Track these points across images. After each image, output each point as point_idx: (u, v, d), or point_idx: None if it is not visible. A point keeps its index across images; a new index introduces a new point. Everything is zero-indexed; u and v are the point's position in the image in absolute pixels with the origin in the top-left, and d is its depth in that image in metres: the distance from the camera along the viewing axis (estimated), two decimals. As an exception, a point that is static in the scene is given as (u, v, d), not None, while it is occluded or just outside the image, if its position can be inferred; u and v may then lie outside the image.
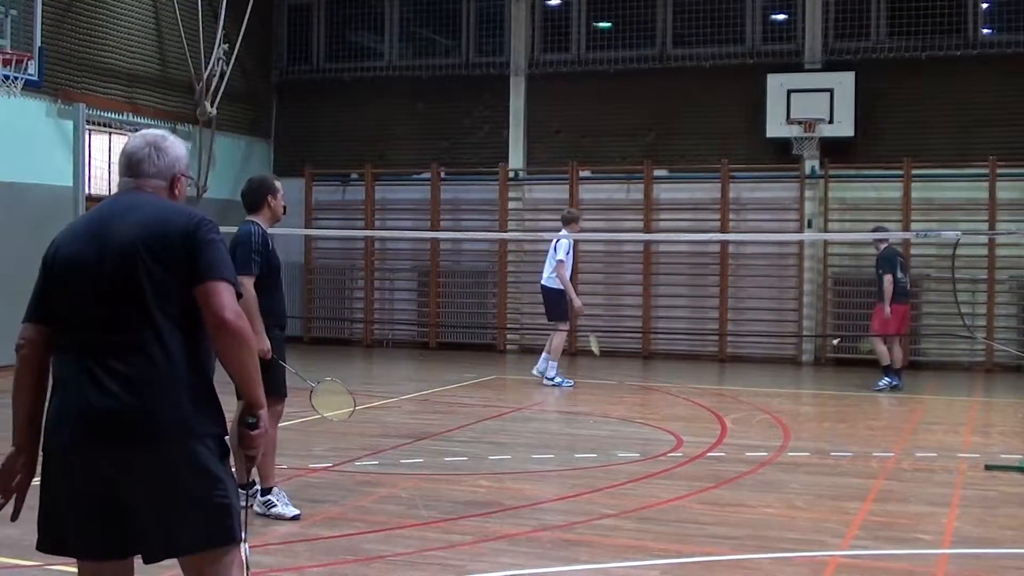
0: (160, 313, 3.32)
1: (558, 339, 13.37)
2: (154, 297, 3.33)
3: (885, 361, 13.38)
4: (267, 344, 6.53)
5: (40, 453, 3.42)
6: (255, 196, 7.00)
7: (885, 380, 13.34)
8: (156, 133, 3.62)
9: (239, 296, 3.42)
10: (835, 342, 15.45)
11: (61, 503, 3.36)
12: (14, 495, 3.50)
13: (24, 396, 3.43)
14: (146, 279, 3.33)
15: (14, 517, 3.49)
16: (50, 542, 3.42)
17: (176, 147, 3.60)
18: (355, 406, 7.38)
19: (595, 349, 13.87)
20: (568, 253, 13.25)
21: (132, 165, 3.55)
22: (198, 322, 3.36)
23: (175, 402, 3.28)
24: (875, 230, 13.70)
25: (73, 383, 3.33)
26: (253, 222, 6.90)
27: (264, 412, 3.44)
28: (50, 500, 3.39)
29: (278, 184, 7.10)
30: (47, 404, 3.41)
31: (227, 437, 3.43)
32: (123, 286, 3.33)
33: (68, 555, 3.41)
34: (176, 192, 3.59)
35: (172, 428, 3.27)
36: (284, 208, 7.07)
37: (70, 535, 3.35)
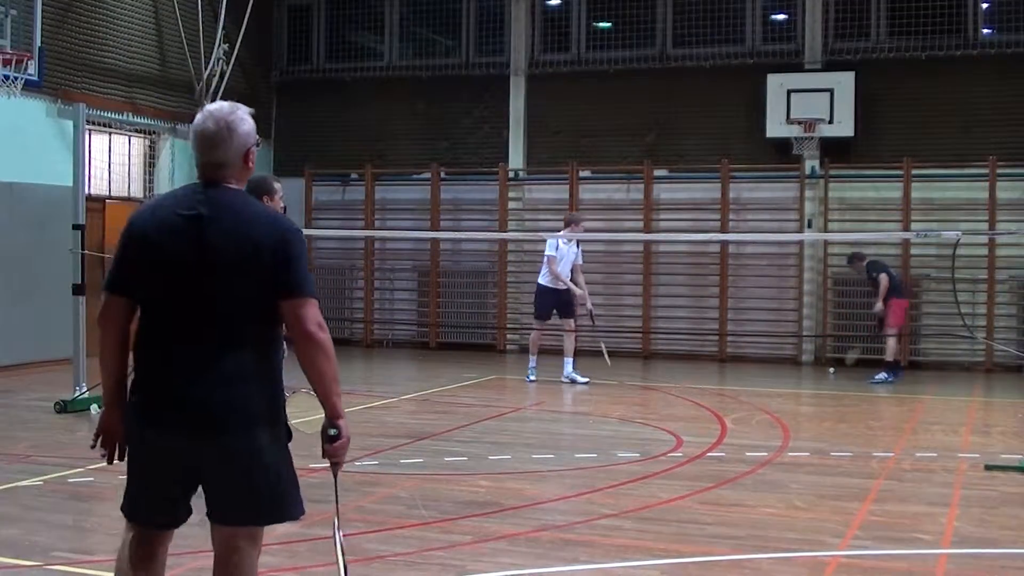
0: (245, 317, 3.62)
1: (534, 335, 13.84)
2: (241, 303, 3.61)
3: (892, 357, 14.17)
4: None
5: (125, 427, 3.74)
6: (253, 196, 6.91)
7: (883, 375, 14.00)
8: (224, 109, 3.74)
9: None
10: (851, 357, 15.46)
11: (144, 477, 3.72)
12: (115, 447, 3.81)
13: (110, 361, 3.73)
14: (236, 286, 3.60)
15: (110, 461, 3.85)
16: (127, 508, 3.80)
17: (246, 122, 3.77)
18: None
19: (606, 357, 13.95)
20: (557, 250, 13.40)
21: (210, 149, 3.71)
22: (275, 328, 3.69)
23: (249, 398, 3.61)
24: (851, 257, 14.77)
25: (157, 371, 3.64)
26: None
27: (344, 422, 3.74)
28: (134, 472, 3.75)
29: (277, 185, 7.02)
30: (130, 385, 3.73)
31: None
32: (220, 292, 3.60)
33: (139, 521, 3.79)
34: (249, 164, 3.79)
35: (240, 419, 3.60)
36: (284, 209, 7.01)
37: (143, 506, 3.75)
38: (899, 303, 14.16)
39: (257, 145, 3.84)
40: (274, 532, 6.28)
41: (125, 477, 3.81)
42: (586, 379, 13.42)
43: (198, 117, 3.76)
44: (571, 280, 13.55)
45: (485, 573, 5.61)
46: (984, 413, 12.31)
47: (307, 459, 8.58)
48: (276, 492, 3.72)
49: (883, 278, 14.07)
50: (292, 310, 3.62)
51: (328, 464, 3.85)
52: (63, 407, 10.71)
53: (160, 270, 3.64)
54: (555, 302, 13.55)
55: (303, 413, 7.09)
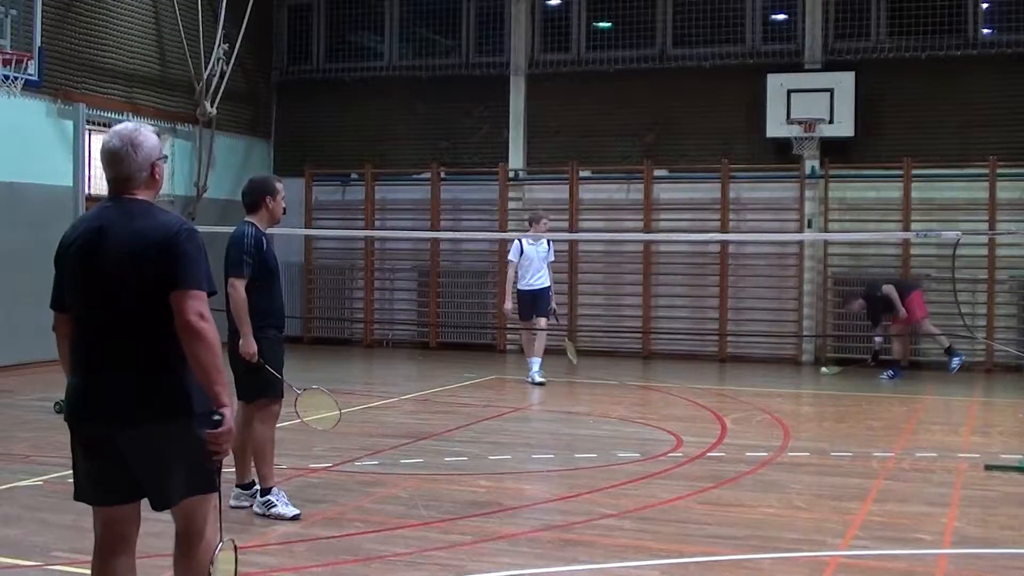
0: (149, 314, 3.92)
1: (525, 337, 13.81)
2: (143, 300, 3.93)
3: (900, 356, 14.74)
4: (253, 347, 6.57)
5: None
6: (253, 197, 6.93)
7: (891, 371, 14.52)
8: (129, 128, 4.12)
9: (210, 295, 4.00)
10: (831, 370, 15.56)
11: (81, 464, 4.11)
12: None
13: (65, 365, 4.16)
14: (136, 285, 3.93)
15: None
16: (78, 492, 4.20)
17: (150, 139, 4.11)
18: (340, 415, 7.33)
19: (571, 356, 13.69)
20: (522, 254, 13.31)
21: (115, 163, 4.06)
22: (172, 322, 3.93)
23: (159, 387, 3.93)
24: (844, 301, 15.37)
25: (81, 369, 4.03)
26: (250, 223, 6.84)
27: (227, 411, 3.91)
28: (76, 461, 4.14)
29: (279, 185, 7.04)
30: (66, 387, 4.11)
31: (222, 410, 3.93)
32: (119, 290, 3.94)
33: (88, 503, 4.18)
34: (156, 176, 4.12)
35: (157, 409, 3.92)
36: (284, 209, 7.02)
37: (89, 488, 4.12)
38: (913, 298, 14.41)
39: (164, 159, 4.18)
40: (275, 532, 6.30)
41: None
42: (543, 380, 13.24)
43: (105, 137, 4.11)
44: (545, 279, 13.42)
45: (485, 573, 5.61)
46: (984, 413, 12.30)
47: (306, 459, 8.58)
48: (185, 473, 3.98)
49: (888, 289, 14.41)
50: (174, 300, 3.88)
51: (212, 455, 3.99)
52: (63, 407, 10.70)
53: (72, 280, 4.04)
54: (532, 302, 13.42)
55: (314, 411, 7.16)
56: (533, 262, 13.36)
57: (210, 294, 4.01)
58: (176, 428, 3.94)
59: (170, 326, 3.91)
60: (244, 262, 6.63)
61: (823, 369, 15.60)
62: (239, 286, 6.59)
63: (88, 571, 5.59)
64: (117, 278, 3.94)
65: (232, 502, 6.70)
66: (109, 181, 4.09)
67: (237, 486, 6.84)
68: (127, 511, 4.11)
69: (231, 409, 3.95)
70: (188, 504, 4.04)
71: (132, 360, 3.95)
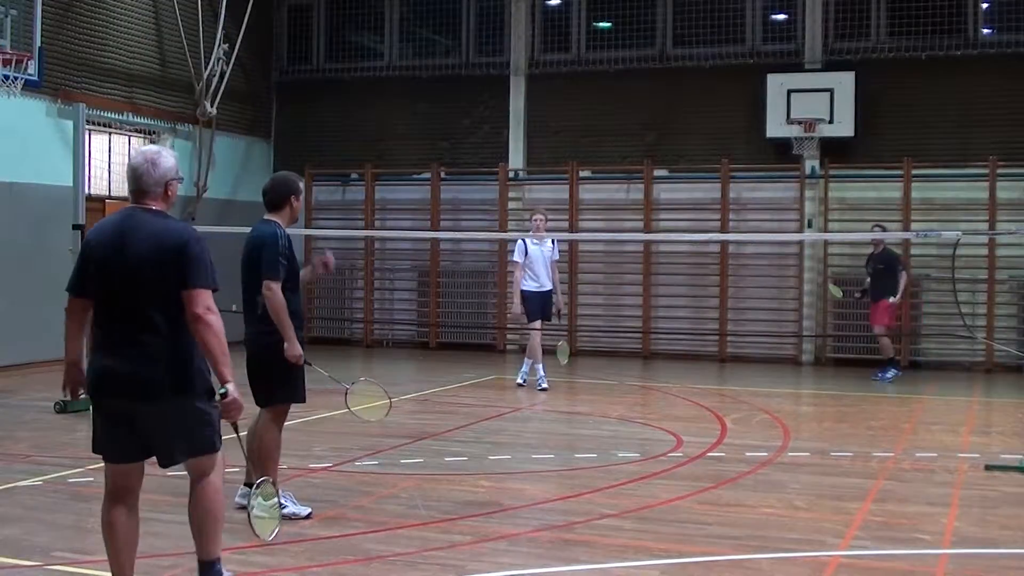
0: (161, 306, 4.67)
1: (533, 340, 13.33)
2: (157, 295, 4.67)
3: (891, 353, 14.59)
4: (299, 350, 6.49)
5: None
6: (277, 195, 6.74)
7: (894, 371, 14.42)
8: (152, 150, 4.92)
9: (215, 291, 4.74)
10: (835, 290, 15.37)
11: (100, 428, 4.82)
12: (76, 389, 4.99)
13: (70, 342, 4.89)
14: (152, 282, 4.67)
15: (74, 397, 5.22)
16: (95, 447, 4.87)
17: (167, 160, 4.88)
18: (390, 403, 7.43)
19: (560, 357, 13.22)
20: (526, 255, 12.94)
21: (136, 178, 4.84)
22: (183, 315, 4.67)
23: (169, 369, 4.67)
24: (877, 229, 14.45)
25: (103, 350, 4.75)
26: (274, 222, 6.66)
27: (231, 385, 4.69)
28: (96, 424, 4.84)
29: (302, 185, 6.96)
30: (88, 361, 4.84)
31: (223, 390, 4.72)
32: (137, 286, 4.68)
33: (105, 459, 4.85)
34: (169, 193, 4.89)
35: (167, 387, 4.67)
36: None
37: (106, 447, 4.82)
38: (888, 304, 14.35)
39: (179, 180, 4.96)
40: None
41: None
42: (521, 382, 13.12)
43: (133, 154, 4.87)
44: (550, 279, 13.06)
45: (485, 573, 5.61)
46: (984, 413, 12.31)
47: (307, 459, 8.58)
48: (196, 434, 4.79)
49: (905, 276, 14.38)
50: (185, 296, 4.66)
51: (228, 421, 4.84)
52: (63, 407, 10.71)
53: (98, 275, 4.75)
54: (540, 304, 13.00)
55: (363, 401, 7.24)
56: (538, 261, 12.97)
57: (214, 291, 4.73)
58: (183, 402, 4.71)
59: (180, 317, 4.66)
60: (280, 263, 6.46)
61: (831, 288, 15.36)
62: (276, 288, 6.39)
63: (88, 571, 5.63)
64: (136, 275, 4.66)
65: (238, 499, 6.68)
66: (131, 193, 4.86)
67: (246, 484, 6.77)
68: (134, 467, 4.85)
69: (235, 384, 4.69)
70: (194, 461, 4.83)
71: (148, 345, 4.66)
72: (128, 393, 4.68)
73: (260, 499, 5.36)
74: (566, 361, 13.37)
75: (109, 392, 4.72)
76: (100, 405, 4.79)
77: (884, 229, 14.46)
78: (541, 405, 12.14)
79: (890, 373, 14.36)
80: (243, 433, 5.28)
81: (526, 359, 13.34)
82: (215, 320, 4.65)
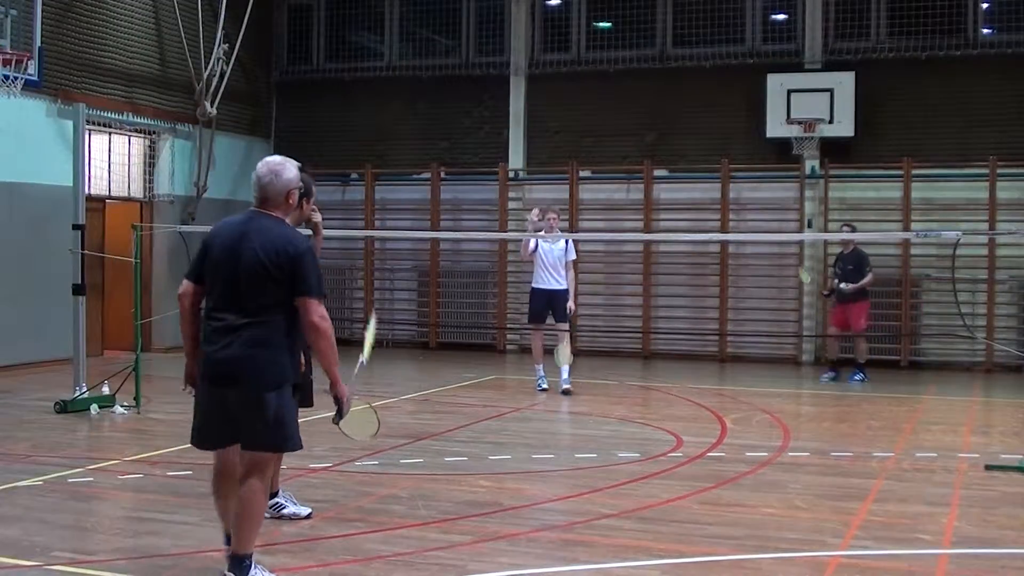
0: (268, 305, 5.13)
1: (534, 341, 13.22)
2: (265, 295, 5.12)
3: (866, 358, 14.40)
4: (346, 391, 6.38)
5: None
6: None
7: (860, 375, 14.19)
8: (276, 160, 5.36)
9: (324, 299, 5.23)
10: (806, 276, 15.32)
11: (200, 416, 5.29)
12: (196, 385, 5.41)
13: (187, 327, 5.37)
14: (266, 283, 5.12)
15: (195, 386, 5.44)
16: (195, 438, 5.35)
17: (290, 172, 5.34)
18: (378, 427, 7.09)
19: (558, 360, 12.66)
20: (534, 251, 12.79)
21: (261, 187, 5.30)
22: (288, 314, 5.15)
23: (258, 362, 5.10)
24: (846, 229, 14.38)
25: (211, 339, 5.18)
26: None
27: (342, 388, 5.28)
28: (197, 412, 5.31)
29: (313, 188, 6.89)
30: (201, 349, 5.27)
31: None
32: (250, 284, 5.12)
33: (200, 448, 5.37)
34: (289, 201, 5.35)
35: (253, 377, 5.09)
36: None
37: (207, 436, 5.29)
38: (866, 305, 14.26)
39: (299, 189, 5.42)
40: (275, 532, 6.29)
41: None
42: (544, 387, 12.80)
43: (259, 163, 5.36)
44: (564, 279, 12.80)
45: (485, 573, 5.61)
46: (984, 413, 12.31)
47: (307, 459, 8.57)
48: (270, 432, 5.15)
49: (870, 276, 14.21)
50: (301, 304, 5.14)
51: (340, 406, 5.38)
52: (63, 407, 10.72)
53: (215, 269, 5.21)
54: (546, 303, 12.82)
55: (357, 427, 6.86)
56: (547, 259, 12.76)
57: (323, 299, 5.19)
58: (270, 396, 5.10)
59: (282, 317, 5.13)
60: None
61: (802, 273, 15.28)
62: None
63: (88, 571, 5.64)
64: (249, 274, 5.11)
65: None
66: (255, 198, 5.31)
67: None
68: (232, 451, 5.29)
69: (342, 384, 5.28)
70: (254, 454, 5.17)
71: (246, 339, 5.09)
72: (229, 381, 5.12)
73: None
74: (565, 366, 12.66)
75: (208, 378, 5.19)
76: (200, 391, 5.27)
77: (853, 229, 14.38)
78: (541, 405, 12.14)
79: (859, 376, 14.16)
80: (341, 424, 5.65)
81: (562, 366, 12.78)
82: (328, 327, 5.16)
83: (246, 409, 5.10)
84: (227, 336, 5.11)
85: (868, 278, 14.13)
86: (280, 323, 5.14)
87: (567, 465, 8.68)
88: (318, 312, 5.12)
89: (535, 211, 13.00)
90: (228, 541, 5.32)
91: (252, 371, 5.08)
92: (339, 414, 5.37)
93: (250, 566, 5.19)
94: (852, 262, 14.13)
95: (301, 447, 5.30)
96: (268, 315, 5.11)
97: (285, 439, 5.21)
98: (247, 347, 5.09)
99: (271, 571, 5.38)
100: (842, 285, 14.08)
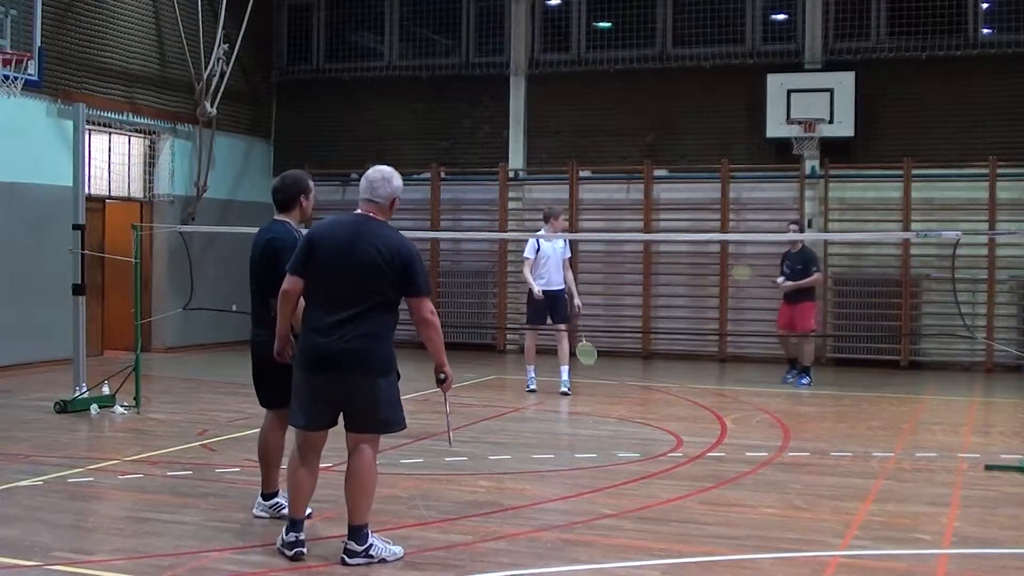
0: (376, 300, 5.62)
1: (528, 342, 13.13)
2: (375, 292, 5.63)
3: (811, 360, 14.02)
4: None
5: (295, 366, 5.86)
6: (288, 194, 6.68)
7: (807, 378, 13.83)
8: (388, 169, 5.98)
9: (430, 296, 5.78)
10: (740, 272, 15.28)
11: (303, 398, 5.77)
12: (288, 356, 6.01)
13: (284, 317, 5.91)
14: (377, 282, 5.62)
15: (286, 360, 6.02)
16: (292, 419, 5.88)
17: (396, 180, 5.94)
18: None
19: (583, 357, 12.66)
20: (538, 251, 12.61)
21: (372, 189, 5.87)
22: (392, 310, 5.69)
23: (372, 352, 5.62)
24: (793, 228, 13.84)
25: (317, 330, 5.65)
26: (287, 223, 6.61)
27: (448, 369, 5.84)
28: (300, 397, 5.79)
29: (311, 183, 6.94)
30: (301, 338, 5.79)
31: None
32: (361, 282, 5.62)
33: (300, 428, 5.82)
34: (392, 207, 5.88)
35: (367, 366, 5.62)
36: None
37: (310, 416, 5.76)
38: (812, 305, 13.91)
39: (399, 199, 5.94)
40: (275, 532, 6.29)
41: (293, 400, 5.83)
42: (566, 390, 12.57)
43: (370, 171, 5.98)
44: (563, 279, 12.73)
45: (485, 573, 5.61)
46: (984, 413, 12.31)
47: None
48: (384, 414, 5.71)
49: (819, 277, 13.98)
50: (413, 304, 5.69)
51: (443, 397, 6.03)
52: (63, 407, 10.71)
53: (325, 268, 5.66)
54: (549, 304, 12.69)
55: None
56: (550, 260, 12.60)
57: (429, 296, 5.74)
58: (381, 380, 5.65)
59: (384, 310, 5.64)
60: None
61: (737, 270, 15.14)
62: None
63: (88, 571, 5.63)
64: (362, 273, 5.59)
65: (256, 512, 6.69)
66: (361, 201, 5.83)
67: (262, 496, 6.74)
68: (323, 434, 5.86)
69: (449, 369, 5.83)
70: (363, 436, 5.70)
71: (361, 331, 5.58)
72: (338, 368, 5.58)
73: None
74: (591, 362, 12.67)
75: (320, 367, 5.62)
76: (309, 378, 5.69)
77: (800, 228, 14.06)
78: (541, 405, 12.14)
79: (805, 380, 13.76)
80: (448, 409, 6.21)
81: (562, 367, 12.70)
82: (437, 321, 5.72)
83: (363, 395, 5.63)
84: (341, 329, 5.58)
85: (814, 277, 13.74)
86: (383, 318, 5.65)
87: (567, 465, 8.68)
88: (428, 308, 5.68)
89: (538, 291, 12.60)
90: (294, 527, 5.77)
91: (367, 361, 5.59)
92: (440, 382, 5.90)
93: (368, 534, 5.68)
94: (800, 261, 13.74)
95: (405, 426, 5.85)
96: (374, 310, 5.61)
97: (391, 421, 5.75)
98: (362, 340, 5.57)
99: (271, 571, 5.38)
100: (779, 279, 13.81)
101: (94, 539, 6.41)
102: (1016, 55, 15.86)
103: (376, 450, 5.77)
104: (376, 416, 5.69)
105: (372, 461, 5.73)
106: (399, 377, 5.80)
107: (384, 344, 5.68)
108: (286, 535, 5.78)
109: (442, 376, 5.85)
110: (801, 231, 13.78)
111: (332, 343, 5.59)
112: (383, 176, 5.88)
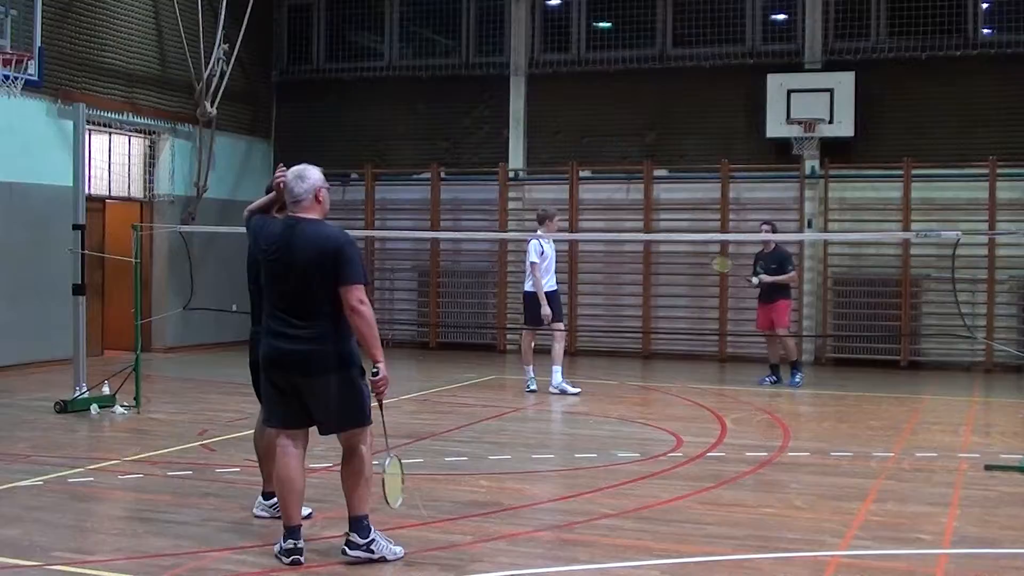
0: (323, 298, 5.61)
1: (526, 343, 13.04)
2: (320, 290, 5.61)
3: (797, 355, 14.05)
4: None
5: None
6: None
7: (800, 375, 13.80)
8: (299, 167, 5.84)
9: (366, 285, 5.73)
10: (719, 263, 15.26)
11: (272, 399, 5.86)
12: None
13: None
14: (314, 280, 5.61)
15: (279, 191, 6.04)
16: (267, 420, 5.99)
17: (310, 173, 5.82)
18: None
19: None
20: (542, 254, 12.61)
21: (289, 191, 5.80)
22: (340, 305, 5.61)
23: (327, 351, 5.63)
24: (765, 228, 13.54)
25: (271, 334, 5.75)
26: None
27: (382, 364, 5.66)
28: (268, 396, 5.89)
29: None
30: (262, 344, 5.86)
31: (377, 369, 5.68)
32: (302, 282, 5.63)
33: (275, 427, 5.88)
34: (319, 200, 5.82)
35: (325, 365, 5.63)
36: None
37: (276, 417, 5.86)
38: (788, 303, 13.90)
39: (327, 188, 5.86)
40: (275, 532, 6.29)
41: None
42: (577, 389, 12.66)
43: (286, 174, 5.84)
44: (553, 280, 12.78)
45: (485, 573, 5.61)
46: (984, 413, 12.31)
47: (307, 459, 8.55)
48: (344, 411, 5.71)
49: (795, 275, 14.01)
50: (342, 292, 5.60)
51: (376, 397, 5.76)
52: (63, 407, 10.71)
53: (270, 267, 5.74)
54: (552, 305, 12.65)
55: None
56: (551, 261, 12.70)
57: (366, 284, 5.67)
58: (342, 378, 5.65)
59: (337, 307, 5.58)
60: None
61: (716, 261, 15.13)
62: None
63: (88, 571, 5.63)
64: (304, 274, 5.60)
65: (256, 511, 6.70)
66: (288, 204, 5.79)
67: (263, 495, 6.75)
68: (302, 432, 5.87)
69: (384, 363, 5.65)
70: (348, 432, 5.75)
71: (313, 330, 5.60)
72: (298, 369, 5.64)
73: (388, 469, 5.84)
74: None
75: (277, 368, 5.71)
76: (272, 380, 5.76)
77: (774, 229, 13.82)
78: (541, 405, 12.14)
79: (797, 377, 13.76)
80: (385, 408, 5.90)
81: (555, 368, 12.74)
82: (367, 311, 5.60)
83: (327, 395, 5.71)
84: (293, 331, 5.69)
85: (791, 274, 13.77)
86: (334, 314, 5.64)
87: (567, 465, 8.68)
88: (356, 296, 5.59)
89: (547, 312, 12.55)
90: (291, 534, 5.77)
91: (321, 361, 5.66)
92: (372, 375, 5.67)
93: (370, 528, 5.73)
94: (775, 261, 13.69)
95: (371, 421, 5.78)
96: (325, 307, 5.65)
97: (354, 416, 5.73)
98: (314, 342, 5.65)
99: (271, 571, 5.38)
100: (753, 279, 13.76)
101: (94, 539, 6.41)
102: (1016, 55, 15.86)
103: (363, 441, 5.75)
104: (335, 414, 5.71)
105: (361, 451, 5.74)
106: (363, 373, 5.74)
107: (339, 343, 5.66)
108: (283, 542, 5.74)
109: (375, 371, 5.67)
110: (774, 231, 13.66)
111: (288, 344, 5.65)
112: (296, 175, 5.82)
